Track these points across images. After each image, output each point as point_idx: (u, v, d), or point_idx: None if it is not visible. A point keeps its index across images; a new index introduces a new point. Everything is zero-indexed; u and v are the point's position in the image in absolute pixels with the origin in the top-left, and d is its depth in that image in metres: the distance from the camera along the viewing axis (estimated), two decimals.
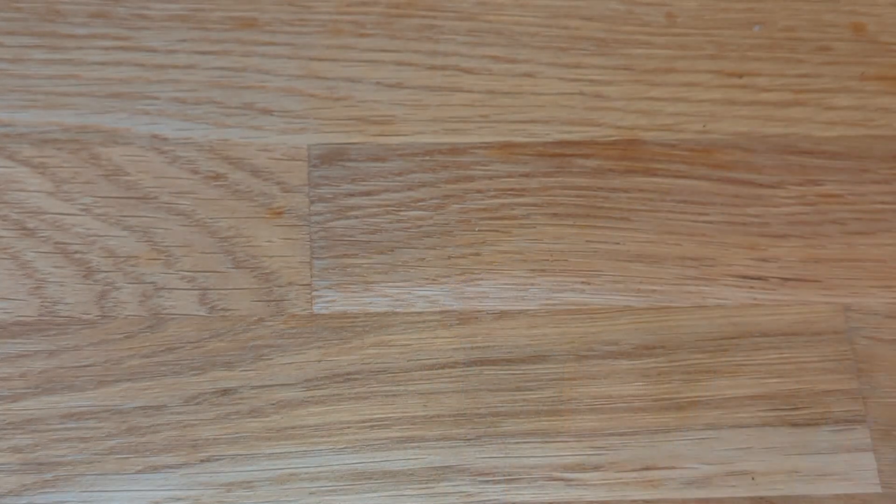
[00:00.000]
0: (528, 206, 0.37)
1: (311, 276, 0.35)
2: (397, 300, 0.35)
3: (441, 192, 0.37)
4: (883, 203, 0.38)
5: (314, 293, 0.35)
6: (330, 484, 0.33)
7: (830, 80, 0.40)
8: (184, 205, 0.36)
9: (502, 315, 0.35)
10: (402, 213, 0.36)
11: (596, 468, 0.34)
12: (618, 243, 0.37)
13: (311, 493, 0.32)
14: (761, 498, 0.34)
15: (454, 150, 0.37)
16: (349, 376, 0.34)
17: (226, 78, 0.38)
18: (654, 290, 0.36)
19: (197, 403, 0.33)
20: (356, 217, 0.36)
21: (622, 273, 0.36)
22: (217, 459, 0.33)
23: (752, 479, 0.34)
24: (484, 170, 0.37)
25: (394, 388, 0.34)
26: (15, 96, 0.37)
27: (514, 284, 0.36)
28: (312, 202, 0.36)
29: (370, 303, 0.35)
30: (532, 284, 0.36)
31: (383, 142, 0.37)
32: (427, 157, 0.37)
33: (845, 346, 0.36)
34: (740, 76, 0.39)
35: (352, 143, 0.37)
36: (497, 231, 0.36)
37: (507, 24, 0.40)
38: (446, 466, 0.33)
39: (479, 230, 0.36)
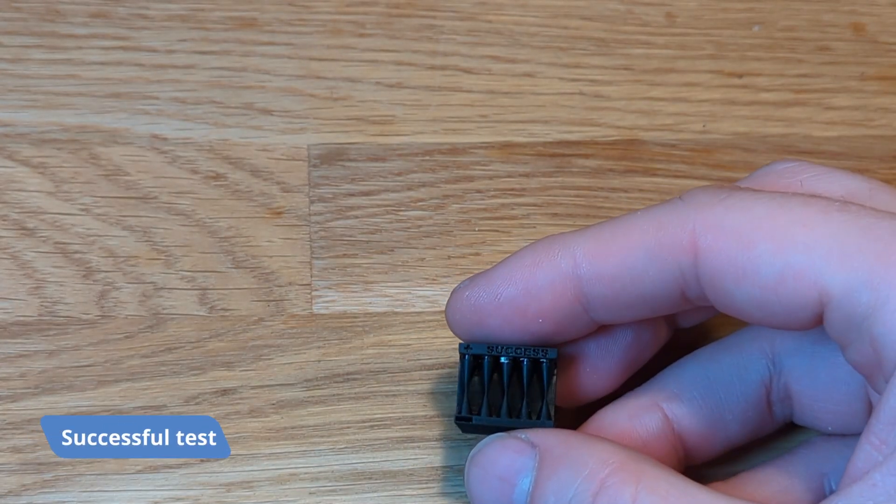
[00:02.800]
0: (528, 206, 0.37)
1: (311, 276, 0.35)
2: (397, 300, 0.35)
3: (441, 192, 0.37)
4: None
5: (314, 293, 0.35)
6: (330, 484, 0.33)
7: (830, 80, 0.40)
8: (184, 205, 0.36)
9: None
10: (402, 213, 0.36)
11: None
12: None
13: (310, 493, 0.32)
14: None
15: (454, 150, 0.37)
16: (349, 376, 0.34)
17: (226, 78, 0.38)
18: None
19: (197, 403, 0.33)
20: (356, 217, 0.36)
21: None
22: (217, 459, 0.32)
23: None
24: (484, 170, 0.37)
25: (394, 388, 0.34)
26: (15, 96, 0.37)
27: None
28: (312, 202, 0.36)
29: (370, 303, 0.35)
30: None
31: (383, 142, 0.37)
32: (427, 157, 0.37)
33: None
34: (740, 76, 0.40)
35: (352, 143, 0.37)
36: (497, 231, 0.36)
37: (507, 24, 0.40)
38: (446, 466, 0.33)
39: (479, 230, 0.36)
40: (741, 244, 0.27)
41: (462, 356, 0.30)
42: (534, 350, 0.30)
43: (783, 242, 0.27)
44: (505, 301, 0.29)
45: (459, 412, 0.30)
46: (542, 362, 0.30)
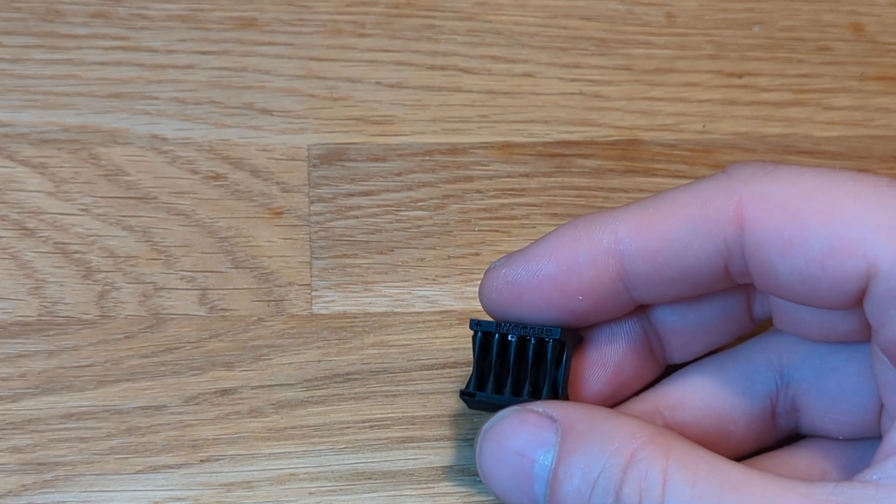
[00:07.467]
0: (528, 206, 0.37)
1: (311, 277, 0.35)
2: (397, 300, 0.35)
3: (441, 192, 0.37)
4: None
5: (314, 293, 0.35)
6: (330, 484, 0.33)
7: (830, 80, 0.40)
8: (184, 205, 0.36)
9: None
10: (402, 213, 0.36)
11: None
12: None
13: (310, 493, 0.32)
14: None
15: (454, 150, 0.37)
16: (349, 376, 0.34)
17: (226, 78, 0.38)
18: None
19: (197, 403, 0.33)
20: (356, 217, 0.36)
21: None
22: (217, 459, 0.33)
23: None
24: (484, 170, 0.37)
25: (394, 388, 0.34)
26: (15, 96, 0.37)
27: None
28: (312, 202, 0.36)
29: (370, 303, 0.35)
30: None
31: (383, 142, 0.37)
32: (427, 157, 0.37)
33: None
34: (740, 76, 0.40)
35: (352, 143, 0.37)
36: (497, 231, 0.36)
37: (507, 24, 0.40)
38: (446, 466, 0.33)
39: (479, 230, 0.36)
40: (789, 215, 0.27)
41: (474, 333, 0.30)
42: (539, 329, 0.29)
43: (832, 214, 0.26)
44: (544, 278, 0.29)
45: (467, 387, 0.30)
46: (548, 342, 0.29)
